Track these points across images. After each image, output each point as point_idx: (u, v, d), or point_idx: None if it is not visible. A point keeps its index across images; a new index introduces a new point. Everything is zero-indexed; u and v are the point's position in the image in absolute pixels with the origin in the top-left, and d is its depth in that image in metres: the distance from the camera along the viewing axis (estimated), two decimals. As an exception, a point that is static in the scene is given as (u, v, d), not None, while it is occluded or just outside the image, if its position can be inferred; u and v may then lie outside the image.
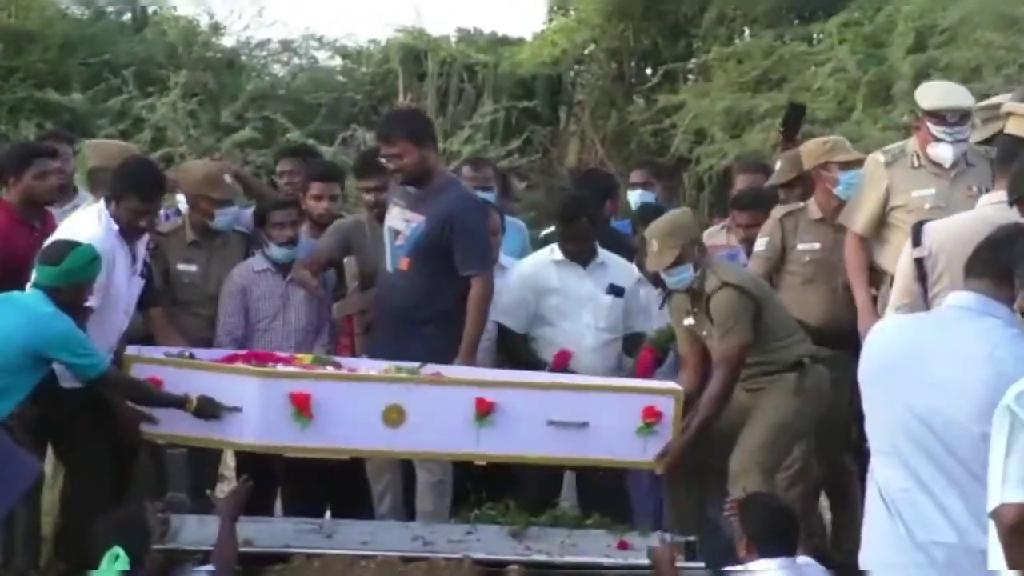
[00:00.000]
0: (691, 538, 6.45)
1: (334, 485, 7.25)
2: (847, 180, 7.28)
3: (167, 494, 6.80)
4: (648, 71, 17.61)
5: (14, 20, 16.71)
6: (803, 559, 5.53)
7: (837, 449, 7.23)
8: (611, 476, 7.14)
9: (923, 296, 5.94)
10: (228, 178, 7.44)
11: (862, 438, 4.89)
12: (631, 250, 7.70)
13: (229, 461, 7.60)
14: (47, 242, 6.52)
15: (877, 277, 7.04)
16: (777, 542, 5.45)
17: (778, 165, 7.96)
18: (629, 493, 7.42)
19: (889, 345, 4.65)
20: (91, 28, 17.40)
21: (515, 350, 7.46)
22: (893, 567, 4.52)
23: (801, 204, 7.49)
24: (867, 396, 4.67)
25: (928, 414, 4.40)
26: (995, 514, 3.86)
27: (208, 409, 6.35)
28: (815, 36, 16.42)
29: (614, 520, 6.69)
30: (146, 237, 6.88)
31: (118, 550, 5.33)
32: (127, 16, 18.18)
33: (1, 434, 6.16)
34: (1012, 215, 5.36)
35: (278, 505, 7.49)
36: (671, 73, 16.97)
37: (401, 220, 7.03)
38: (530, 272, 7.58)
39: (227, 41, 17.80)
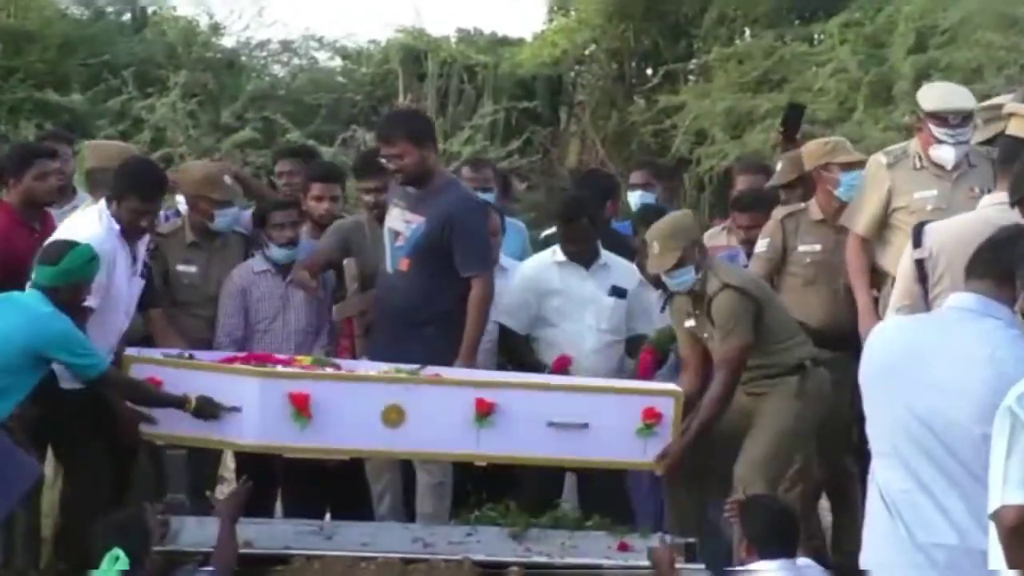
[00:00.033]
0: (691, 540, 6.44)
1: (334, 486, 7.24)
2: (848, 181, 7.26)
3: (167, 495, 6.78)
4: (649, 71, 17.61)
5: (13, 20, 16.70)
6: (803, 561, 5.53)
7: (838, 451, 7.23)
8: (612, 478, 7.13)
9: (924, 297, 5.94)
10: (228, 179, 7.43)
11: (863, 440, 4.89)
12: (632, 251, 7.69)
13: (229, 463, 7.59)
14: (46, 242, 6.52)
15: (879, 278, 7.03)
16: (777, 544, 5.44)
17: (779, 166, 7.94)
18: (630, 495, 7.41)
19: (890, 346, 4.65)
20: (91, 28, 17.39)
21: (517, 351, 7.45)
22: (894, 568, 4.52)
23: (802, 205, 7.48)
24: (868, 397, 4.67)
25: (929, 415, 4.39)
26: (996, 516, 3.86)
27: (207, 409, 6.34)
28: (816, 36, 16.41)
29: (615, 522, 6.68)
30: (147, 237, 6.88)
31: (118, 551, 5.33)
32: (127, 16, 18.17)
33: (1, 435, 6.15)
34: (1013, 216, 5.36)
35: (278, 506, 7.48)
36: (672, 74, 16.96)
37: (401, 221, 7.02)
38: (532, 273, 7.57)
39: (227, 41, 17.82)
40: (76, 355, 6.13)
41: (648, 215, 7.66)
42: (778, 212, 7.49)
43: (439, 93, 17.08)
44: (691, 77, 17.29)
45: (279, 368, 6.67)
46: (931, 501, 4.40)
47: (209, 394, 6.34)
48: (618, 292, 7.49)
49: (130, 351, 6.61)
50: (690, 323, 6.73)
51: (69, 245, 6.30)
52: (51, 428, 6.67)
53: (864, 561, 4.65)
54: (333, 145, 15.37)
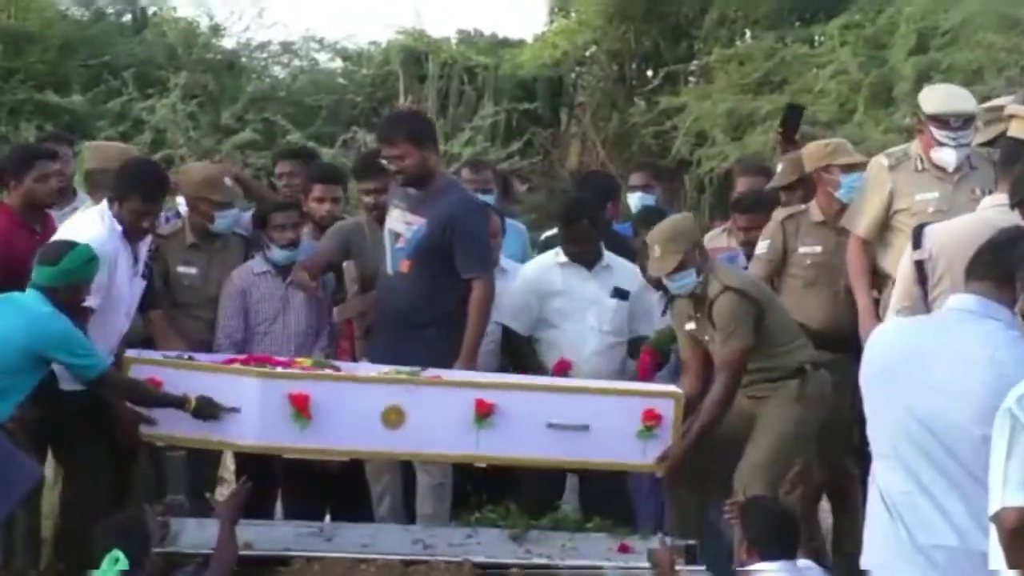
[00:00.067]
0: (692, 542, 6.43)
1: (334, 488, 7.24)
2: (849, 183, 7.25)
3: (166, 497, 6.79)
4: (649, 73, 17.59)
5: (13, 21, 16.69)
6: (804, 562, 5.52)
7: (839, 452, 7.22)
8: (614, 479, 7.12)
9: (923, 299, 5.93)
10: (228, 180, 7.43)
11: (864, 441, 4.88)
12: (632, 252, 7.68)
13: (229, 464, 7.59)
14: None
15: (880, 280, 7.03)
16: (778, 546, 5.44)
17: (779, 167, 7.94)
18: (631, 496, 7.40)
19: (890, 348, 4.65)
20: (91, 29, 17.38)
21: (519, 352, 7.44)
22: (894, 570, 4.52)
23: (803, 207, 7.47)
24: (868, 399, 4.67)
25: (929, 417, 4.39)
26: (996, 518, 3.86)
27: (207, 409, 6.34)
28: (816, 38, 16.42)
29: (616, 524, 6.68)
30: (148, 239, 6.88)
31: (118, 553, 5.32)
32: (127, 17, 18.16)
33: (1, 437, 6.15)
34: (1014, 218, 5.36)
35: (278, 508, 7.48)
36: (672, 75, 16.96)
37: (402, 223, 7.02)
38: (534, 275, 7.56)
39: (227, 43, 17.79)
40: (76, 355, 6.13)
41: (649, 216, 7.66)
42: (779, 214, 7.48)
43: (440, 94, 17.08)
44: (692, 79, 17.29)
45: (278, 369, 6.66)
46: (931, 503, 4.41)
47: (209, 395, 6.34)
48: (620, 294, 7.48)
49: (130, 353, 6.60)
50: (691, 326, 6.73)
51: (68, 245, 6.30)
52: (51, 430, 6.66)
53: (865, 563, 4.65)
54: (333, 147, 15.37)
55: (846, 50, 15.35)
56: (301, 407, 6.34)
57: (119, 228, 6.63)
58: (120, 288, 6.65)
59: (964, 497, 4.34)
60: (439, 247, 6.91)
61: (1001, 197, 5.82)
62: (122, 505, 6.49)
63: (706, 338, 6.67)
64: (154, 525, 5.74)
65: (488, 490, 6.91)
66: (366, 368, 6.83)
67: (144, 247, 6.84)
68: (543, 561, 6.43)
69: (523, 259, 8.01)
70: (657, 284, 6.90)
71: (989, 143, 7.02)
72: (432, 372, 6.67)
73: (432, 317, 6.90)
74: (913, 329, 4.80)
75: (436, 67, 17.09)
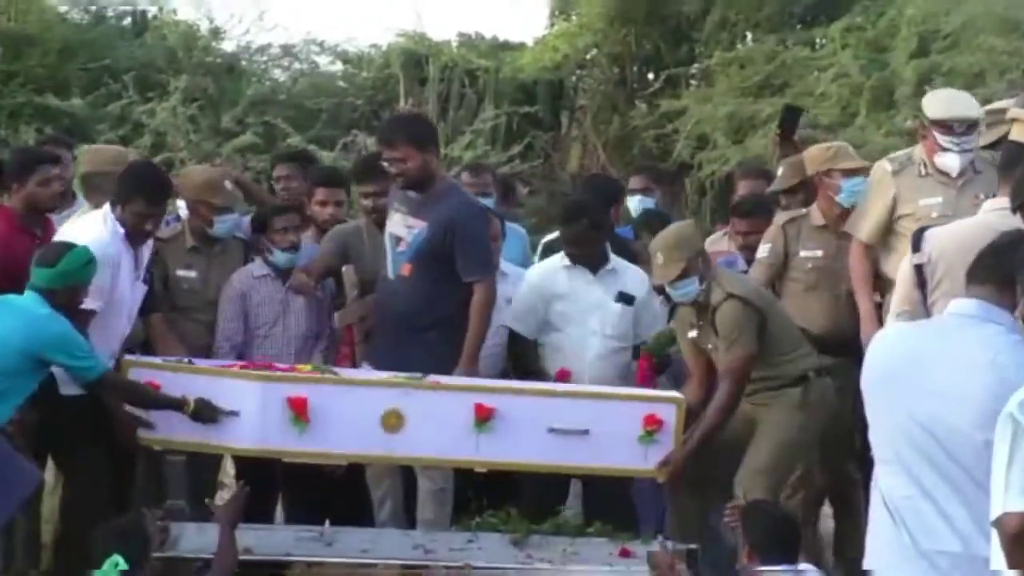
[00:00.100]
0: (693, 546, 6.42)
1: (334, 493, 7.22)
2: (850, 187, 7.24)
3: (166, 501, 6.76)
4: (650, 76, 17.58)
5: (13, 24, 16.68)
6: (805, 567, 5.51)
7: (841, 457, 7.21)
8: (617, 484, 7.10)
9: (923, 303, 5.92)
10: (228, 184, 7.42)
11: (866, 446, 4.87)
12: (633, 256, 7.65)
13: (229, 468, 7.57)
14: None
15: (883, 285, 7.01)
16: (779, 550, 5.44)
17: (780, 171, 7.93)
18: (633, 502, 7.39)
19: (891, 353, 4.64)
20: (91, 32, 17.37)
21: (524, 356, 7.42)
22: (897, 575, 4.50)
23: (803, 210, 7.46)
24: (869, 404, 4.66)
25: (930, 421, 4.39)
26: (998, 523, 3.86)
27: (205, 412, 6.33)
28: (818, 41, 16.40)
29: (619, 528, 6.66)
30: (151, 242, 6.87)
31: (117, 557, 5.32)
32: (127, 20, 18.14)
33: (1, 441, 6.14)
34: (1014, 222, 5.36)
35: (279, 513, 7.47)
36: (673, 78, 16.95)
37: (403, 226, 7.00)
38: (540, 278, 7.52)
39: (227, 46, 17.77)
40: (74, 357, 6.12)
41: (650, 220, 7.65)
42: (780, 217, 7.48)
43: (440, 98, 17.07)
44: (693, 82, 17.29)
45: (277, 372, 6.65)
46: (934, 508, 4.40)
47: (208, 398, 6.33)
48: (625, 299, 7.39)
49: (127, 356, 6.59)
50: (694, 334, 6.71)
51: (66, 247, 6.29)
52: (51, 433, 6.65)
53: (868, 567, 4.64)
54: (334, 150, 15.37)
55: (847, 53, 15.35)
56: (300, 411, 6.33)
57: (121, 231, 6.63)
58: (122, 291, 6.64)
59: (966, 502, 4.33)
60: (440, 251, 6.90)
61: (1002, 201, 5.81)
62: (122, 509, 6.48)
63: (709, 346, 6.65)
64: (154, 529, 5.73)
65: (489, 495, 6.88)
66: (365, 374, 6.81)
67: (146, 250, 6.84)
68: (544, 566, 6.42)
69: (523, 263, 8.00)
70: (660, 292, 6.89)
71: (991, 146, 7.01)
72: (433, 379, 6.64)
73: (433, 321, 6.89)
74: (914, 333, 4.79)
75: (436, 70, 17.08)
